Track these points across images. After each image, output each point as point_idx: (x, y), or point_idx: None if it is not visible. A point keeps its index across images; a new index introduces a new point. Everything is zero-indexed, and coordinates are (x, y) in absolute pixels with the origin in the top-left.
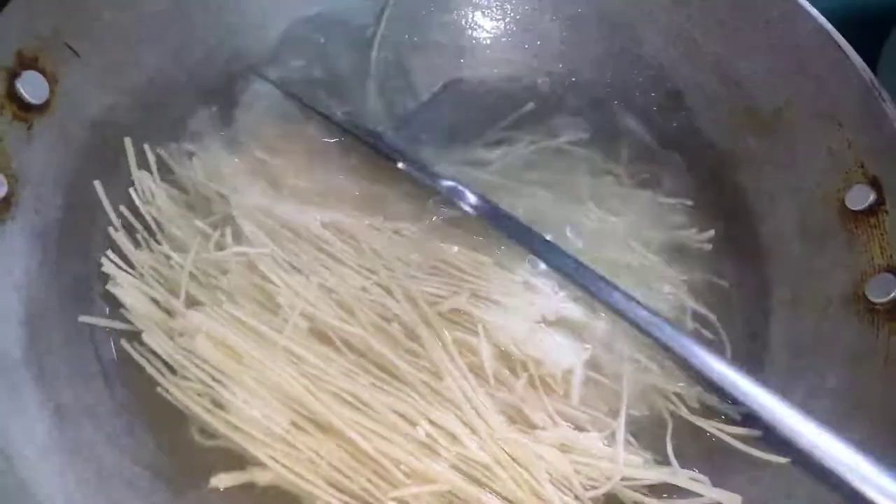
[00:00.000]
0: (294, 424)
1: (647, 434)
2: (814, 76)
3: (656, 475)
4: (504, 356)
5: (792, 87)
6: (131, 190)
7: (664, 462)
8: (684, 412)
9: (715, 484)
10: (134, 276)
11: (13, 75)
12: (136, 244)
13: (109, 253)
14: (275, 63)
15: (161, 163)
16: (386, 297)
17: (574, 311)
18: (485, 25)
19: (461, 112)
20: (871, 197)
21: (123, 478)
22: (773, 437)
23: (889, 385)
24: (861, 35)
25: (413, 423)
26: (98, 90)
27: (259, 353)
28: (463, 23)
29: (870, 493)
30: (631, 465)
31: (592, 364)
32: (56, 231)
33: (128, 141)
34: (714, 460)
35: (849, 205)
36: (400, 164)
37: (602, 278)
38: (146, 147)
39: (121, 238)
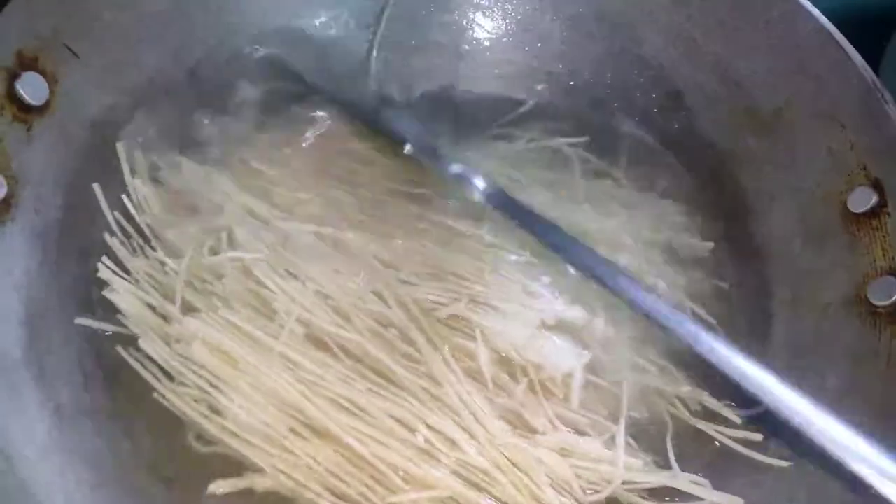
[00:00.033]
0: (292, 430)
1: (647, 437)
2: (814, 76)
3: (657, 479)
4: (504, 361)
5: (792, 87)
6: (124, 197)
7: (665, 465)
8: (685, 415)
9: (716, 487)
10: (130, 281)
11: (13, 76)
12: (133, 251)
13: (105, 259)
14: (275, 63)
15: (155, 168)
16: (382, 304)
17: (573, 314)
18: (485, 26)
19: (461, 112)
20: (874, 199)
21: (123, 480)
22: (774, 441)
23: (890, 387)
24: (862, 35)
25: (411, 429)
26: (98, 90)
27: (255, 359)
28: (463, 23)
29: (870, 475)
30: (631, 468)
31: (592, 367)
32: (56, 231)
33: (120, 146)
34: (715, 463)
35: (851, 207)
36: (408, 147)
37: (612, 264)
38: (140, 154)
39: (116, 244)
